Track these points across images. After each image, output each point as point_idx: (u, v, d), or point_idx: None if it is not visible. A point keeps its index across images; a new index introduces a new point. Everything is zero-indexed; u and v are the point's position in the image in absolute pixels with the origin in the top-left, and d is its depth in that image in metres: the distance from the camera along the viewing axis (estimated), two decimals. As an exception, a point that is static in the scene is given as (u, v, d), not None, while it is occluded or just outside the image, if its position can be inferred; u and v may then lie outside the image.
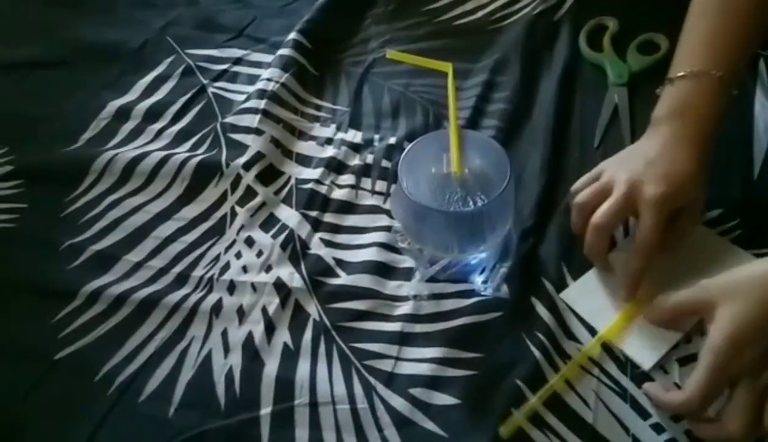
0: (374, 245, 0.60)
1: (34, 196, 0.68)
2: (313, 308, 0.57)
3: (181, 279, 0.60)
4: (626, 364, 0.52)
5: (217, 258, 0.61)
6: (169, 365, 0.55)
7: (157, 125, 0.73)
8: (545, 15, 0.79)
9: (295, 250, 0.61)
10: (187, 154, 0.69)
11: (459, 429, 0.50)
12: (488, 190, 0.55)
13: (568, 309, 0.55)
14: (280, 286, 0.58)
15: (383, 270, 0.59)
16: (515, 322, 0.55)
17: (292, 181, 0.67)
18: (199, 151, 0.70)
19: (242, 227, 0.63)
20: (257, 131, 0.69)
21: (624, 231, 0.59)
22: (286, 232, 0.62)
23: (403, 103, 0.73)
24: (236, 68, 0.78)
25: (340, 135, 0.70)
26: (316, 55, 0.78)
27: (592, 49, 0.74)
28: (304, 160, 0.69)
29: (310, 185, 0.65)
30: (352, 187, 0.66)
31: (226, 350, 0.55)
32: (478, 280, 0.57)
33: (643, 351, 0.52)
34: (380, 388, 0.52)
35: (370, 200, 0.65)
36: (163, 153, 0.69)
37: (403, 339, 0.55)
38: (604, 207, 0.53)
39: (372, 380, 0.53)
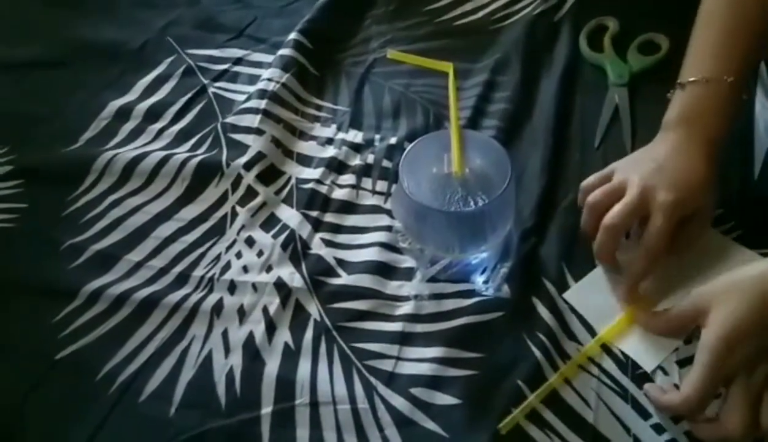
0: (375, 244, 0.60)
1: (34, 196, 0.68)
2: (313, 308, 0.57)
3: (182, 279, 0.60)
4: (627, 364, 0.52)
5: (217, 258, 0.61)
6: (170, 365, 0.55)
7: (158, 125, 0.73)
8: (546, 15, 0.79)
9: (295, 250, 0.61)
10: (188, 154, 0.69)
11: (460, 429, 0.50)
12: (489, 190, 0.55)
13: (569, 309, 0.55)
14: (280, 286, 0.58)
15: (384, 270, 0.59)
16: (516, 322, 0.55)
17: (293, 181, 0.67)
18: (200, 151, 0.70)
19: (243, 227, 0.63)
20: (258, 131, 0.69)
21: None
22: (287, 232, 0.62)
23: (404, 103, 0.73)
24: (237, 68, 0.78)
25: (341, 135, 0.70)
26: (316, 55, 0.78)
27: (592, 50, 0.74)
28: (305, 160, 0.69)
29: (310, 185, 0.65)
30: (352, 187, 0.66)
31: (227, 349, 0.55)
32: (478, 280, 0.57)
33: (645, 354, 0.52)
34: (381, 388, 0.52)
35: (370, 200, 0.65)
36: (164, 153, 0.69)
37: (404, 339, 0.55)
38: (618, 208, 0.53)
39: (373, 379, 0.53)
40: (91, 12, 0.88)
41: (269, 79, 0.74)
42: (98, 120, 0.74)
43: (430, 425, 0.50)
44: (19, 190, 0.68)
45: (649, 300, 0.54)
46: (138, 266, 0.61)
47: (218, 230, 0.63)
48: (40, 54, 0.83)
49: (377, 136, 0.70)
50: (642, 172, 0.54)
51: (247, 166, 0.67)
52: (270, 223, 0.63)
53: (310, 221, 0.63)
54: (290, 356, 0.54)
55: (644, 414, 0.50)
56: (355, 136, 0.70)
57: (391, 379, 0.53)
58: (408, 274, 0.59)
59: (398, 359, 0.54)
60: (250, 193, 0.65)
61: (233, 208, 0.65)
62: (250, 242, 0.62)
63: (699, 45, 0.59)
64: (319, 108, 0.74)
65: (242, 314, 0.57)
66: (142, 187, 0.67)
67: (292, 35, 0.78)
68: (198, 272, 0.60)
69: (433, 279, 0.58)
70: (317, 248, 0.61)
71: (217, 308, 0.58)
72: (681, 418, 0.49)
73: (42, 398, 0.54)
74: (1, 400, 0.54)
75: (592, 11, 0.78)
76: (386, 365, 0.53)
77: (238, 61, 0.79)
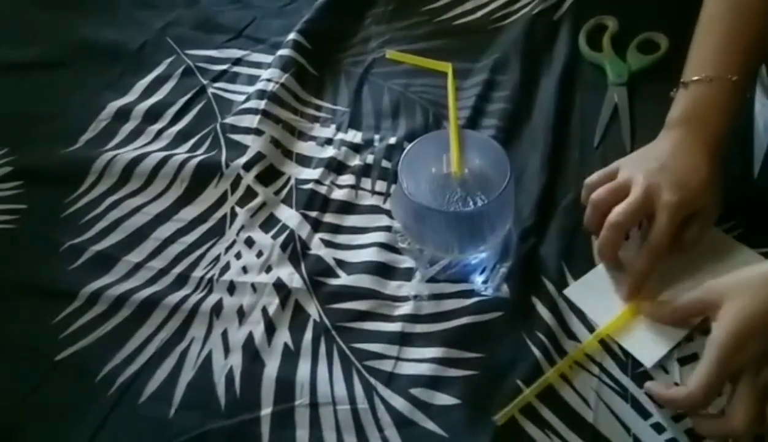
0: (374, 245, 0.60)
1: (34, 197, 0.68)
2: (313, 309, 0.57)
3: (182, 280, 0.60)
4: (627, 363, 0.52)
5: (217, 259, 0.61)
6: (170, 366, 0.55)
7: (157, 126, 0.73)
8: (545, 14, 0.79)
9: (295, 250, 0.61)
10: (187, 155, 0.69)
11: (459, 429, 0.50)
12: (488, 190, 0.55)
13: (569, 309, 0.55)
14: (280, 286, 0.58)
15: (383, 270, 0.59)
16: (516, 322, 0.55)
17: (292, 181, 0.67)
18: (199, 152, 0.70)
19: (242, 228, 0.63)
20: (257, 132, 0.69)
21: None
22: (286, 232, 0.62)
23: (403, 103, 0.73)
24: (236, 69, 0.78)
25: (340, 135, 0.70)
26: (315, 55, 0.78)
27: (591, 49, 0.74)
28: (304, 161, 0.69)
29: (310, 186, 0.65)
30: (352, 187, 0.66)
31: (227, 350, 0.55)
32: (478, 280, 0.57)
33: (645, 349, 0.52)
34: (381, 388, 0.52)
35: (370, 200, 0.65)
36: (163, 154, 0.69)
37: (404, 339, 0.55)
38: (623, 207, 0.53)
39: (372, 380, 0.53)
40: (90, 13, 0.88)
41: (268, 80, 0.74)
42: (98, 121, 0.74)
43: (430, 425, 0.50)
44: (19, 192, 0.68)
45: (650, 297, 0.54)
46: (137, 267, 0.61)
47: (218, 231, 0.63)
48: (39, 55, 0.83)
49: (376, 137, 0.70)
50: (646, 171, 0.54)
51: (247, 166, 0.67)
52: (269, 223, 0.63)
53: (309, 222, 0.63)
54: (290, 357, 0.54)
55: (644, 413, 0.49)
56: (355, 136, 0.70)
57: (390, 379, 0.53)
58: (407, 274, 0.59)
59: (398, 359, 0.54)
60: (250, 193, 0.65)
61: (232, 208, 0.65)
62: (249, 242, 0.62)
63: (702, 44, 0.59)
64: (318, 108, 0.74)
65: (242, 314, 0.57)
66: (141, 188, 0.67)
67: (291, 35, 0.78)
68: (197, 273, 0.60)
69: (432, 279, 0.58)
70: (316, 248, 0.61)
71: (217, 309, 0.58)
72: (681, 417, 0.49)
73: (42, 399, 0.54)
74: (1, 401, 0.54)
75: (591, 10, 0.78)
76: (386, 366, 0.53)
77: (237, 61, 0.79)
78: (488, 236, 0.56)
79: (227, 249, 0.62)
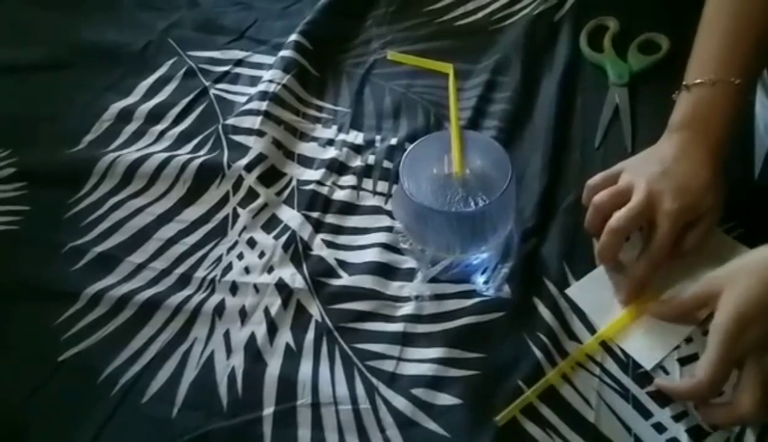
0: (376, 245, 0.61)
1: (36, 198, 0.68)
2: (315, 309, 0.57)
3: (184, 280, 0.60)
4: (628, 364, 0.52)
5: (219, 259, 0.61)
6: (172, 366, 0.55)
7: (159, 127, 0.73)
8: (546, 15, 0.79)
9: (297, 251, 0.61)
10: (189, 156, 0.69)
11: (461, 429, 0.50)
12: (489, 191, 0.55)
13: (570, 309, 0.55)
14: (282, 287, 0.58)
15: (385, 271, 0.59)
16: (517, 322, 0.55)
17: (294, 182, 0.67)
18: (201, 153, 0.70)
19: (244, 229, 0.63)
20: (259, 133, 0.69)
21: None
22: (288, 233, 0.62)
23: (405, 104, 0.73)
24: (238, 70, 0.79)
25: (342, 136, 0.70)
26: (317, 56, 0.78)
27: (592, 50, 0.74)
28: (306, 162, 0.69)
29: (311, 186, 0.66)
30: (353, 188, 0.66)
31: (229, 350, 0.55)
32: (479, 280, 0.57)
33: (645, 351, 0.52)
34: (382, 388, 0.52)
35: (371, 201, 0.65)
36: (165, 155, 0.69)
37: (405, 339, 0.55)
38: (624, 212, 0.53)
39: (374, 380, 0.53)
40: (92, 14, 0.88)
41: (270, 81, 0.74)
42: (100, 122, 0.74)
43: (432, 425, 0.50)
44: (22, 193, 0.68)
45: (650, 299, 0.54)
46: (140, 267, 0.61)
47: (220, 232, 0.63)
48: (41, 56, 0.83)
49: (378, 137, 0.70)
50: (648, 176, 0.54)
51: (249, 167, 0.67)
52: (271, 224, 0.64)
53: (311, 222, 0.63)
54: (292, 357, 0.54)
55: (645, 413, 0.50)
56: (356, 137, 0.70)
57: (392, 379, 0.53)
58: (409, 275, 0.59)
59: (399, 359, 0.54)
60: (252, 194, 0.66)
61: (234, 209, 0.65)
62: (251, 243, 0.62)
63: (704, 46, 0.59)
64: (319, 109, 0.74)
65: (244, 315, 0.57)
66: (143, 189, 0.67)
67: (293, 37, 0.78)
68: (200, 274, 0.60)
69: (434, 280, 0.58)
70: (318, 249, 0.61)
71: (219, 310, 0.58)
72: (682, 416, 0.49)
73: (45, 400, 0.54)
74: (5, 402, 0.54)
75: (592, 11, 0.78)
76: (388, 366, 0.53)
77: (239, 62, 0.79)
78: (489, 236, 0.56)
79: (229, 250, 0.62)
